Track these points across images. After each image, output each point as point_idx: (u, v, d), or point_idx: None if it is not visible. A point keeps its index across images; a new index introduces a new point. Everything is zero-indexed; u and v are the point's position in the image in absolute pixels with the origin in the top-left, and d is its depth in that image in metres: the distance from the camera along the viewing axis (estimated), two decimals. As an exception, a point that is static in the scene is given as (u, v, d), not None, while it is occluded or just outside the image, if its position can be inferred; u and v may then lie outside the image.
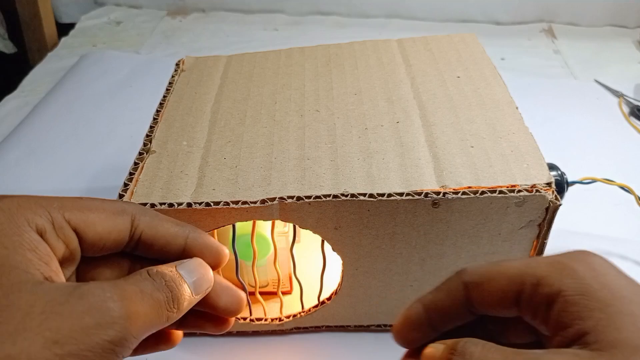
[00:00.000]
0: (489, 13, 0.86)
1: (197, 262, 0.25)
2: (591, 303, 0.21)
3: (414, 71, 0.41)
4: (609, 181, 0.43)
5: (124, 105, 0.66)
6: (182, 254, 0.25)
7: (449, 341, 0.23)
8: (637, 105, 0.63)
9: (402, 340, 0.25)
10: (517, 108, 0.37)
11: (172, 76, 0.43)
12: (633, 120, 0.62)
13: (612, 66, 0.75)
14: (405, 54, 0.43)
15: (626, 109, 0.64)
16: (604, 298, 0.21)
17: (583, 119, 0.62)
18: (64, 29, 0.89)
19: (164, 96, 0.41)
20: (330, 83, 0.40)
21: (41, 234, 0.22)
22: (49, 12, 0.86)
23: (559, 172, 0.40)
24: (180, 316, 0.24)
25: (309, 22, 0.87)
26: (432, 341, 0.24)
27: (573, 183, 0.41)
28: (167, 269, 0.23)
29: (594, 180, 0.42)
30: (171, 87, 0.42)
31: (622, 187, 0.41)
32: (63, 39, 0.86)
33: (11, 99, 0.70)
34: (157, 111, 0.39)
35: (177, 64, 0.45)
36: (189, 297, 0.24)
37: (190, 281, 0.24)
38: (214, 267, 0.26)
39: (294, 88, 0.40)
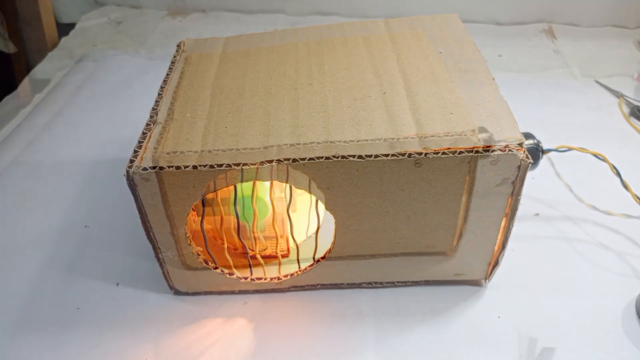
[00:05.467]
0: (489, 13, 0.86)
1: None
2: None
3: (400, 48, 0.44)
4: (583, 149, 0.46)
5: (124, 105, 0.67)
6: None
7: None
8: (637, 106, 0.64)
9: None
10: (493, 79, 0.40)
11: (174, 56, 0.46)
12: (633, 120, 0.63)
13: (612, 66, 0.76)
14: (391, 32, 0.46)
15: (626, 109, 0.65)
16: None
17: (583, 119, 0.63)
18: (64, 29, 0.90)
19: (167, 74, 0.44)
20: (322, 59, 0.43)
21: None
22: (50, 12, 0.87)
23: (535, 141, 0.44)
24: None
25: (309, 22, 0.88)
26: None
27: (548, 150, 0.44)
28: None
29: (569, 149, 0.45)
30: (173, 65, 0.45)
31: (596, 156, 0.45)
32: (63, 39, 0.87)
33: (11, 99, 0.72)
34: (162, 87, 0.42)
35: (178, 45, 0.48)
36: None
37: None
38: None
39: (289, 65, 0.43)
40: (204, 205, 0.37)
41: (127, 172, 0.34)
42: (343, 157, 0.34)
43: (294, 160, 0.34)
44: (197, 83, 0.42)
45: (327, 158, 0.34)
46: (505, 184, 0.35)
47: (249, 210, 0.38)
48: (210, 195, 0.36)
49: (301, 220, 0.44)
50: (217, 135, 0.36)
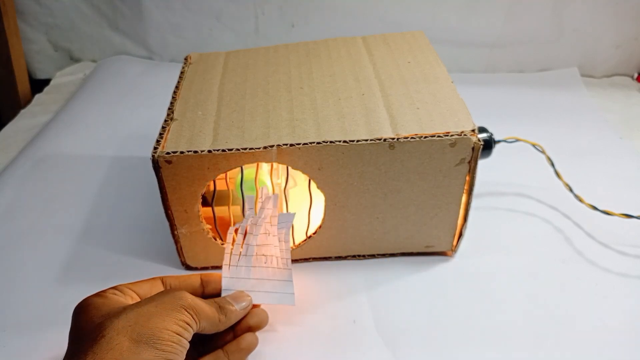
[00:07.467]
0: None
1: (238, 292, 0.41)
2: None
3: (375, 58, 0.52)
4: (527, 141, 0.55)
5: (123, 106, 0.73)
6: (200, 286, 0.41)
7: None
8: None
9: None
10: (452, 82, 0.48)
11: (183, 67, 0.54)
12: None
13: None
14: (368, 46, 0.55)
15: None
16: None
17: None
18: (39, 85, 0.88)
19: (178, 81, 0.51)
20: (310, 68, 0.51)
21: None
22: (23, 69, 0.85)
23: (489, 134, 0.52)
24: (230, 324, 0.39)
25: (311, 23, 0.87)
26: None
27: (499, 141, 0.52)
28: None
29: (516, 140, 0.54)
30: (183, 75, 0.52)
31: (535, 146, 0.53)
32: (37, 96, 0.85)
33: (11, 99, 0.77)
34: (174, 92, 0.49)
35: (186, 59, 0.56)
36: (234, 310, 0.39)
37: (235, 303, 0.39)
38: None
39: (282, 73, 0.51)
40: (214, 190, 0.44)
41: (153, 156, 0.41)
42: (331, 142, 0.41)
43: (291, 144, 0.41)
44: (204, 88, 0.50)
45: (318, 143, 0.41)
46: (463, 164, 0.43)
47: (252, 191, 0.46)
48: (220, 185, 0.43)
49: (297, 205, 0.51)
50: (226, 127, 0.44)
